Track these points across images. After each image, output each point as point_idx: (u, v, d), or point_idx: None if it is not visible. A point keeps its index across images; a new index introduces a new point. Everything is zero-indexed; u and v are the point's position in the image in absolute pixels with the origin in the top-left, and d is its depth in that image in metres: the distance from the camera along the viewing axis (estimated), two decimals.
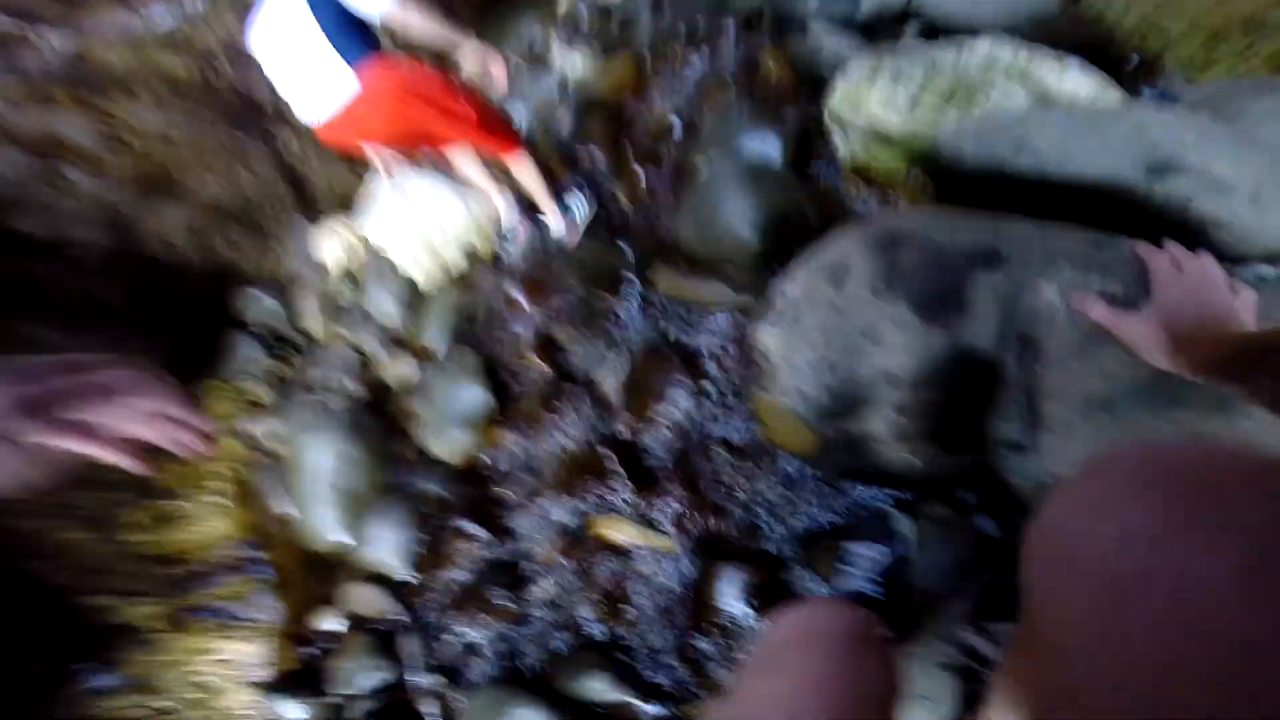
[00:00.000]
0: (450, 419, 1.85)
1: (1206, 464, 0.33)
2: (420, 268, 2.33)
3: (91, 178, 2.41)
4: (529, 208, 2.19)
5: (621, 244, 1.96)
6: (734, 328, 1.57)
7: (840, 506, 1.35)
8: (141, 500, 2.34)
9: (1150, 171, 1.03)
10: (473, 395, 1.85)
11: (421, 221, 2.29)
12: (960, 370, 1.03)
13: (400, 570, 1.80)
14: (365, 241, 2.51)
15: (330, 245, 2.62)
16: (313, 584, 2.05)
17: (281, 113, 3.18)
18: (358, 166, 3.35)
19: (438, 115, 1.68)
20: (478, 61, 1.68)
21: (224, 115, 2.94)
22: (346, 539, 1.97)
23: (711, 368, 1.59)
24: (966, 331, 1.00)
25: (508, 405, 1.88)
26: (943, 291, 1.01)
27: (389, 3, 1.49)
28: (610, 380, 1.74)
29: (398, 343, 2.31)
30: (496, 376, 1.93)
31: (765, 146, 1.74)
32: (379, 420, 2.14)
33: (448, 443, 1.85)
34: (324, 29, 1.50)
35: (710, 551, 1.43)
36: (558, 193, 2.06)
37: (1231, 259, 0.95)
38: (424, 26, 1.53)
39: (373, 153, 2.06)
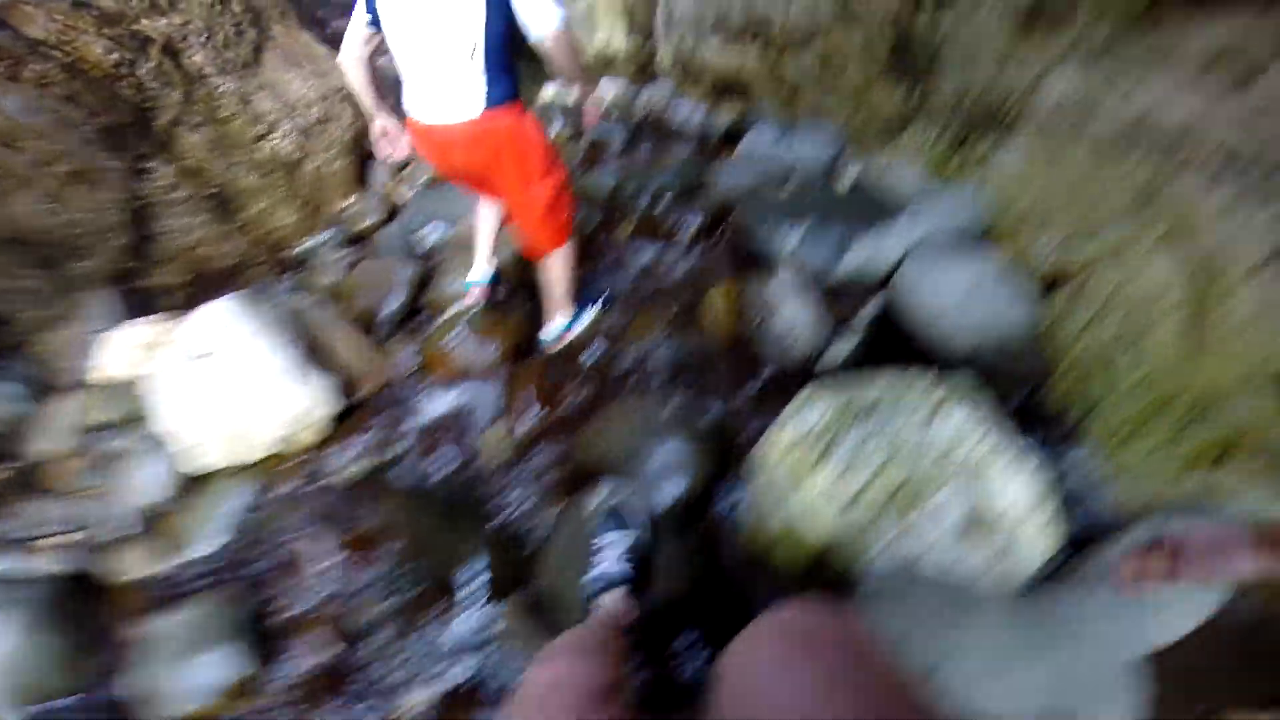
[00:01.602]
0: (184, 679, 1.39)
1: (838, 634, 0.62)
2: (212, 451, 1.78)
3: None
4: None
5: (479, 536, 1.60)
6: None
7: None
8: None
9: None
10: (221, 662, 1.39)
11: (230, 399, 1.75)
12: None
13: None
14: (150, 390, 1.86)
15: (118, 352, 1.99)
16: None
17: (177, 136, 2.58)
18: (234, 231, 2.80)
19: (515, 182, 1.72)
20: (584, 97, 1.76)
21: (91, 117, 2.31)
22: None
23: None
24: None
25: (273, 672, 1.44)
26: None
27: (557, 22, 1.49)
28: (420, 699, 1.38)
29: (151, 524, 1.74)
30: (265, 631, 1.49)
31: (670, 483, 1.56)
32: (89, 609, 1.58)
33: (174, 702, 1.38)
34: (486, 49, 1.51)
35: None
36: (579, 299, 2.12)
37: None
38: (568, 56, 1.56)
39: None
